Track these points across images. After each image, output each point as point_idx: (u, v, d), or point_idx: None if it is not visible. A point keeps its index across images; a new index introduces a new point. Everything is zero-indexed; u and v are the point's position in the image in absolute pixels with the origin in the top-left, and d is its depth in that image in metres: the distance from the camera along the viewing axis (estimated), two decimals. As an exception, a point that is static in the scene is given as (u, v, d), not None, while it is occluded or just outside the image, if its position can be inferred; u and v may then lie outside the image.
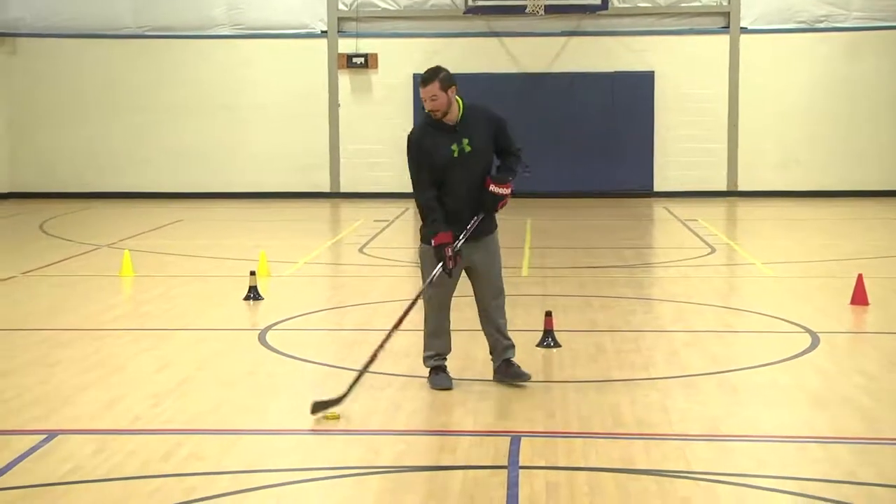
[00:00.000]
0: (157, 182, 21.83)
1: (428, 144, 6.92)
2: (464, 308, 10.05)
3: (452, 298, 7.20)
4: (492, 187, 6.97)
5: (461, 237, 6.92)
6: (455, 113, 6.95)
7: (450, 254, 6.82)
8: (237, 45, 21.72)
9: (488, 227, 7.09)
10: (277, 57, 21.67)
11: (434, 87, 6.84)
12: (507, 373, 7.19)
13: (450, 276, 6.93)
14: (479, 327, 9.06)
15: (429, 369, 7.17)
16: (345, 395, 6.60)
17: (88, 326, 9.34)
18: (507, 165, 7.12)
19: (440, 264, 6.87)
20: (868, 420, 6.37)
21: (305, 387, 7.31)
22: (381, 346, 6.95)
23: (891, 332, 8.92)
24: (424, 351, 7.21)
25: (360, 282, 12.00)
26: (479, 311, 7.25)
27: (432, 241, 6.87)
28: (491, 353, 7.30)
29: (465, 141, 6.92)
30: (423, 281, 7.14)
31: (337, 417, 6.35)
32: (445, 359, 7.20)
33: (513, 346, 7.26)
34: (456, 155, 6.91)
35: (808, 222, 17.64)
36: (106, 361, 7.99)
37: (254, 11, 21.66)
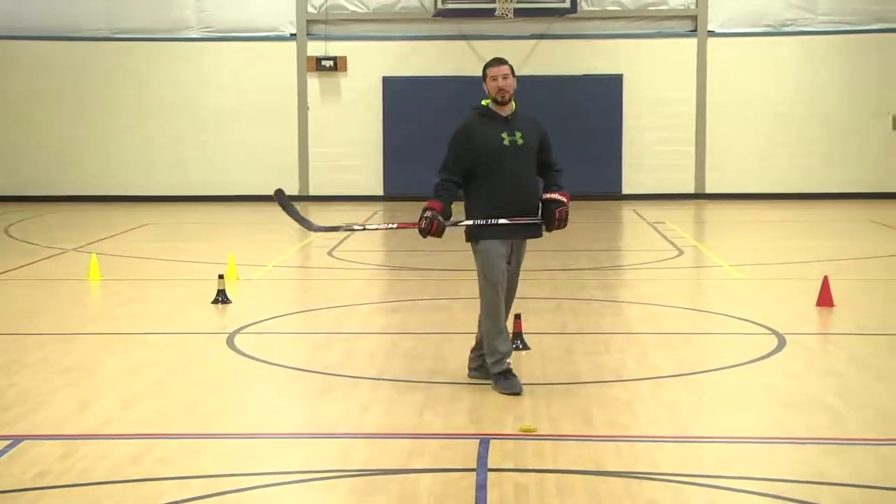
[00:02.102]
0: (124, 185, 21.73)
1: (478, 133, 6.91)
2: (437, 311, 10.07)
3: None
4: (552, 195, 6.97)
5: (508, 220, 6.86)
6: (510, 107, 6.99)
7: (427, 215, 6.78)
8: (206, 47, 21.65)
9: (535, 231, 7.04)
10: (246, 59, 21.63)
11: (508, 68, 6.95)
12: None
13: (423, 236, 6.85)
14: (452, 331, 9.07)
15: (496, 373, 7.00)
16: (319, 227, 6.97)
17: (57, 330, 9.27)
18: (555, 180, 7.11)
19: (420, 222, 6.81)
20: (837, 420, 6.42)
21: (274, 390, 7.29)
22: (375, 227, 7.29)
23: (856, 333, 9.00)
24: (489, 356, 7.02)
25: (329, 285, 11.98)
26: None
27: (425, 213, 6.79)
28: (474, 349, 7.26)
29: (518, 134, 6.94)
30: (480, 277, 7.00)
31: (535, 429, 6.18)
32: (509, 361, 7.05)
33: None
34: (507, 143, 6.90)
35: (774, 224, 17.76)
36: (75, 366, 7.93)
37: (223, 14, 21.60)
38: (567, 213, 7.01)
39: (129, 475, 5.48)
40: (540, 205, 7.04)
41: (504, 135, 6.92)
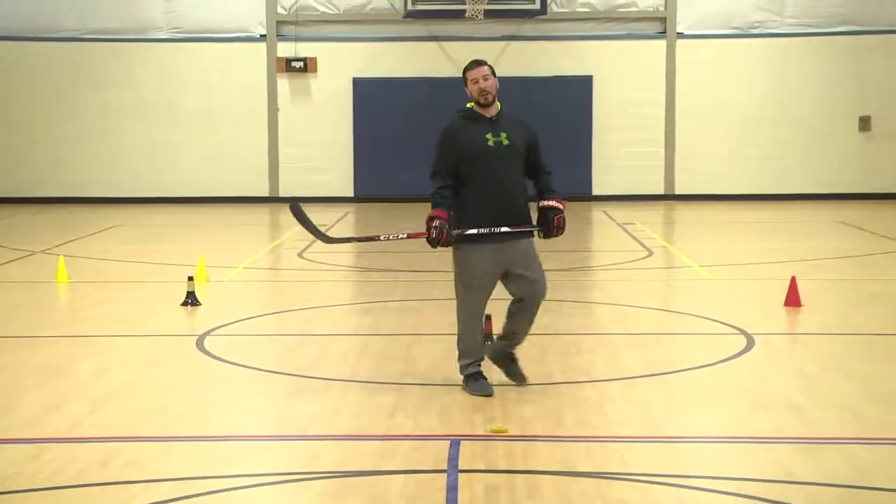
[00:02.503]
0: (94, 187, 21.59)
1: (462, 135, 6.85)
2: (408, 312, 10.06)
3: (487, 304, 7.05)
4: (548, 202, 6.90)
5: (494, 230, 6.78)
6: (495, 108, 6.94)
7: (436, 224, 6.72)
8: (176, 48, 21.56)
9: (519, 235, 6.90)
10: (217, 60, 21.54)
11: (487, 68, 6.92)
12: (510, 369, 7.09)
13: (433, 246, 6.83)
14: (423, 332, 9.08)
15: (465, 376, 7.01)
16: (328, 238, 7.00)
17: (24, 333, 9.20)
18: (547, 185, 7.03)
19: (428, 234, 6.75)
20: (805, 419, 6.47)
21: (245, 392, 7.27)
22: (386, 237, 7.23)
23: (823, 333, 9.06)
24: (460, 358, 7.04)
25: (300, 286, 11.95)
26: (512, 309, 7.06)
27: (433, 223, 6.72)
28: (502, 338, 7.13)
29: (504, 134, 6.86)
30: (456, 282, 6.99)
31: (505, 430, 6.20)
32: (481, 364, 7.07)
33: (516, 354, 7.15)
34: (492, 144, 6.83)
35: (744, 225, 17.87)
36: (45, 368, 7.87)
37: (193, 15, 21.51)
38: (564, 219, 6.95)
39: (98, 478, 5.45)
40: (537, 212, 6.96)
41: (489, 136, 6.85)
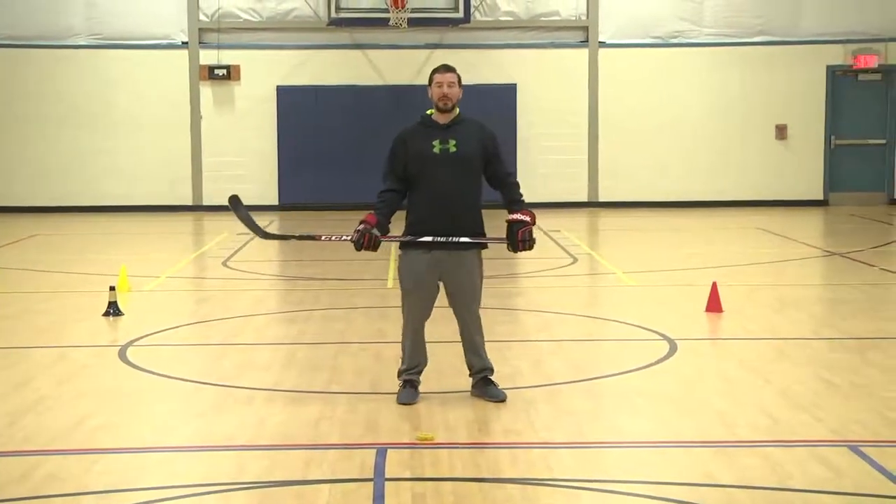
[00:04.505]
0: (13, 196, 21.17)
1: (412, 141, 6.89)
2: (333, 321, 10.03)
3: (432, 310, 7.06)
4: (515, 216, 6.88)
5: (449, 239, 6.80)
6: (451, 115, 6.95)
7: (360, 228, 6.78)
8: (96, 55, 21.24)
9: (458, 245, 6.89)
10: (138, 68, 21.27)
11: (454, 76, 6.93)
12: (484, 391, 7.06)
13: (357, 249, 6.85)
14: (348, 340, 9.08)
15: (401, 381, 7.04)
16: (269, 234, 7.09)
17: (-60, 346, 9.01)
18: (512, 197, 7.04)
19: (355, 234, 6.81)
20: (725, 423, 6.57)
21: (168, 403, 7.20)
22: (327, 237, 7.28)
23: (744, 338, 9.22)
24: (401, 363, 7.09)
25: (225, 295, 11.86)
26: (458, 326, 7.16)
27: (359, 225, 6.79)
28: (469, 369, 7.17)
29: (452, 142, 6.87)
30: (401, 287, 7.03)
31: (432, 438, 6.19)
32: (420, 372, 7.08)
33: (489, 368, 7.11)
34: (438, 152, 6.85)
35: (666, 232, 18.09)
36: (-41, 381, 7.72)
37: (114, 21, 21.21)
38: (531, 232, 6.90)
39: (16, 493, 5.36)
40: (506, 224, 6.96)
41: (436, 143, 6.87)
